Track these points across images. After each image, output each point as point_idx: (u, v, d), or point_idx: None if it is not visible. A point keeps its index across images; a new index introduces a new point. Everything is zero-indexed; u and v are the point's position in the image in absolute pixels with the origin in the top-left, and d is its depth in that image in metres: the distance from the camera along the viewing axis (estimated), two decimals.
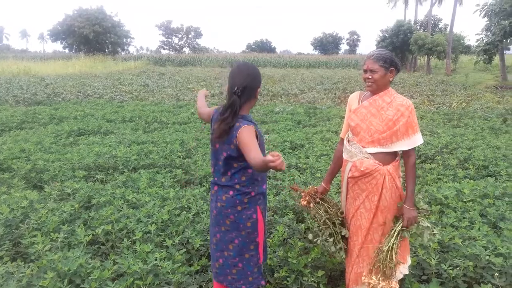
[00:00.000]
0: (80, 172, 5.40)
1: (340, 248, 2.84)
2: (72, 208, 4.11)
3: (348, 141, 2.77)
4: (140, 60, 46.72)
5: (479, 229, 3.56)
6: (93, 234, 3.58)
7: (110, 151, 6.44)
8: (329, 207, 2.89)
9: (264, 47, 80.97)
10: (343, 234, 2.81)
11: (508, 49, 30.90)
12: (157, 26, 76.20)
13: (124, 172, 5.61)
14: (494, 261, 2.98)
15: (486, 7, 25.59)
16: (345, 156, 2.77)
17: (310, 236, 3.01)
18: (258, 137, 2.38)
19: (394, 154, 2.66)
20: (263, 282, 2.60)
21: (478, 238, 3.40)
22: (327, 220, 2.83)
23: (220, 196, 2.47)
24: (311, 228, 3.06)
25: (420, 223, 2.66)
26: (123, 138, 7.79)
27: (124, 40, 55.03)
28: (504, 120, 10.28)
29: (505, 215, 3.95)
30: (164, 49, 76.83)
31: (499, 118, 10.62)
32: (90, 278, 2.79)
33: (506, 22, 22.90)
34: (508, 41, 25.34)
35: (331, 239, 2.82)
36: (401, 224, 2.61)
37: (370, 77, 2.62)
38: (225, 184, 2.45)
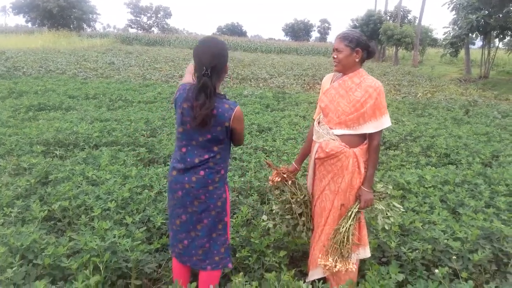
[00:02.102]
0: (38, 147, 5.18)
1: (308, 228, 2.83)
2: (28, 183, 3.94)
3: (319, 122, 2.73)
4: (106, 37, 45.28)
5: (438, 214, 3.63)
6: (49, 210, 3.44)
7: (71, 127, 6.22)
8: (300, 189, 2.88)
9: (235, 30, 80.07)
10: (311, 215, 2.81)
11: (474, 44, 31.82)
12: (125, 4, 74.01)
13: (85, 148, 5.43)
14: (452, 245, 3.04)
15: (455, 1, 26.11)
16: (314, 137, 2.74)
17: (264, 217, 3.01)
18: None
19: (362, 137, 2.61)
20: (230, 265, 2.55)
21: (437, 222, 3.46)
22: (300, 199, 2.82)
23: (189, 177, 2.35)
24: (271, 209, 3.04)
25: (375, 206, 2.67)
26: (85, 115, 7.54)
27: (90, 16, 53.27)
28: (466, 111, 10.58)
29: (464, 201, 4.04)
30: (132, 27, 74.73)
31: (461, 109, 10.92)
32: (43, 254, 2.66)
33: (473, 16, 23.45)
34: (474, 35, 26.02)
35: (302, 219, 2.82)
36: (358, 206, 2.60)
37: (335, 56, 2.58)
38: (196, 165, 2.34)
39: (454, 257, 2.97)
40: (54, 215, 3.48)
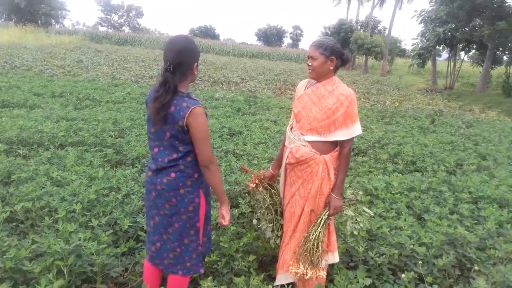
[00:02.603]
0: (0, 145, 4.98)
1: (277, 235, 2.83)
2: None
3: (291, 128, 2.74)
4: (75, 35, 44.12)
5: (405, 219, 3.70)
6: (11, 211, 3.29)
7: (36, 126, 6.01)
8: (275, 194, 2.88)
9: (207, 33, 79.76)
10: (282, 223, 2.80)
11: (440, 56, 32.84)
12: (96, 2, 72.63)
13: (50, 148, 5.26)
14: (418, 250, 3.11)
15: (424, 13, 26.93)
16: (286, 142, 2.75)
17: (255, 221, 2.98)
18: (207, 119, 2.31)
19: (333, 144, 2.62)
20: (201, 271, 2.51)
21: (404, 228, 3.53)
22: (270, 206, 2.81)
23: (161, 178, 2.31)
24: (255, 214, 3.03)
25: (344, 212, 2.69)
26: (51, 113, 7.30)
27: (59, 12, 51.92)
28: (432, 121, 10.89)
29: (429, 207, 4.14)
30: (102, 26, 73.23)
31: (427, 118, 11.24)
32: (5, 257, 2.55)
33: (440, 29, 24.26)
34: (441, 47, 26.91)
35: (271, 225, 2.81)
36: (327, 213, 2.61)
37: (310, 64, 2.59)
38: (167, 166, 2.30)
39: (420, 262, 3.03)
40: (17, 216, 3.34)
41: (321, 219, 2.61)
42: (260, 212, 2.93)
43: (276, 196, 2.89)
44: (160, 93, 2.18)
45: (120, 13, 74.29)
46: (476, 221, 3.86)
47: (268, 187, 2.91)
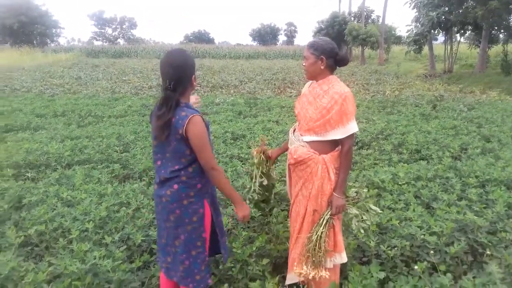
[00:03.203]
0: (8, 170, 5.05)
1: (254, 190, 3.11)
2: (1, 209, 3.84)
3: (294, 129, 2.79)
4: (71, 51, 44.37)
5: (414, 210, 3.73)
6: (25, 236, 3.35)
7: (42, 148, 6.08)
8: (266, 165, 3.15)
9: (202, 38, 79.94)
10: (264, 183, 3.14)
11: (436, 39, 32.75)
12: (89, 16, 72.97)
13: (57, 169, 5.33)
14: (429, 240, 3.13)
15: None
16: (288, 143, 2.79)
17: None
18: (207, 128, 2.36)
19: (334, 144, 2.63)
20: (210, 281, 2.54)
21: (413, 218, 3.55)
22: (254, 166, 3.11)
23: (165, 190, 2.35)
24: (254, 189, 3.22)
25: (348, 211, 2.69)
26: (55, 134, 7.39)
27: (53, 30, 52.24)
28: (434, 107, 10.87)
29: (437, 195, 4.16)
30: (97, 40, 73.57)
31: (429, 105, 11.22)
32: (23, 282, 2.60)
33: (434, 13, 24.20)
34: (436, 31, 26.84)
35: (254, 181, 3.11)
36: (329, 212, 2.61)
37: (304, 64, 2.66)
38: (170, 177, 2.34)
39: (432, 251, 3.06)
40: (31, 240, 3.40)
41: (323, 219, 2.61)
42: (252, 171, 3.18)
43: (266, 165, 3.15)
44: (163, 111, 2.24)
45: (113, 26, 74.62)
46: (485, 205, 3.87)
47: (264, 157, 3.14)
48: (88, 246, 3.02)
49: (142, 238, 3.31)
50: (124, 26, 75.38)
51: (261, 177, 3.10)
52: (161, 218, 2.45)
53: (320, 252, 2.57)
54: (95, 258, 2.81)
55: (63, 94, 13.95)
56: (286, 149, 2.93)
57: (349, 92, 2.58)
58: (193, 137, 2.25)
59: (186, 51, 2.43)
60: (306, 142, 2.63)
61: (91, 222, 3.41)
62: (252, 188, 3.12)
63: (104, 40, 72.87)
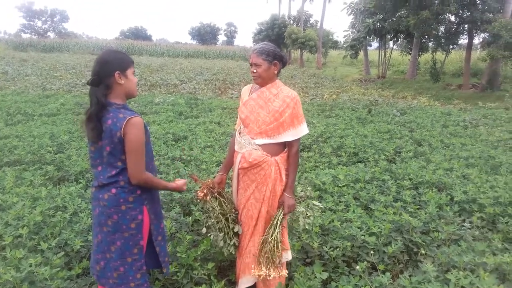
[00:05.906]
0: None
1: (230, 244, 2.80)
2: None
3: (240, 132, 2.78)
4: None
5: (354, 211, 3.86)
6: None
7: None
8: (224, 202, 2.83)
9: (139, 34, 77.72)
10: (235, 230, 2.80)
11: (370, 46, 34.24)
12: (17, 8, 68.67)
13: None
14: (368, 240, 3.26)
15: (353, 5, 27.97)
16: (236, 147, 2.78)
17: (204, 230, 2.94)
18: (146, 131, 2.28)
19: (282, 146, 2.70)
20: None
21: (353, 219, 3.68)
22: (220, 215, 2.79)
23: (102, 194, 2.26)
24: (204, 221, 2.99)
25: (296, 209, 2.78)
26: None
27: None
28: (369, 111, 11.34)
29: (375, 197, 4.34)
30: (25, 32, 69.28)
31: (364, 109, 11.69)
32: None
33: (370, 20, 25.35)
34: (371, 38, 28.09)
35: (221, 234, 2.79)
36: (282, 213, 2.68)
37: (255, 71, 2.65)
38: (108, 182, 2.24)
39: (371, 251, 3.18)
40: None
41: (277, 220, 2.67)
42: (210, 221, 2.86)
43: (226, 205, 2.85)
44: (90, 111, 2.20)
45: (43, 18, 70.58)
46: (418, 206, 4.11)
47: (218, 195, 2.85)
48: (23, 253, 2.83)
49: (81, 244, 3.15)
50: (55, 19, 71.56)
51: (234, 225, 2.82)
52: (97, 222, 2.34)
53: (279, 252, 2.61)
54: (31, 266, 2.65)
55: None
56: (230, 159, 2.90)
57: (298, 95, 2.70)
58: (128, 140, 2.17)
59: (120, 51, 2.37)
60: (259, 145, 2.65)
61: (25, 227, 3.19)
62: (232, 242, 2.81)
63: (33, 33, 68.76)
